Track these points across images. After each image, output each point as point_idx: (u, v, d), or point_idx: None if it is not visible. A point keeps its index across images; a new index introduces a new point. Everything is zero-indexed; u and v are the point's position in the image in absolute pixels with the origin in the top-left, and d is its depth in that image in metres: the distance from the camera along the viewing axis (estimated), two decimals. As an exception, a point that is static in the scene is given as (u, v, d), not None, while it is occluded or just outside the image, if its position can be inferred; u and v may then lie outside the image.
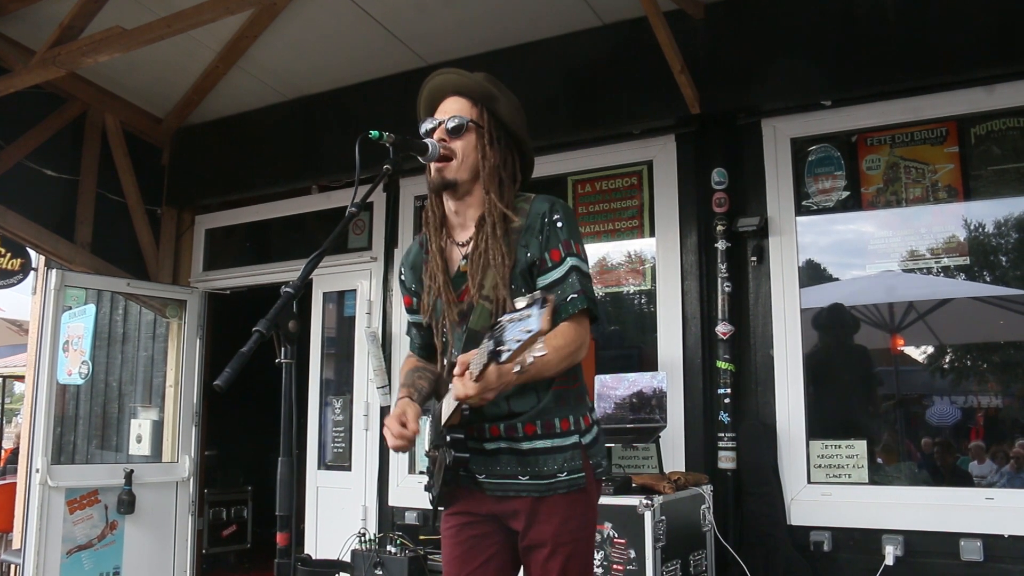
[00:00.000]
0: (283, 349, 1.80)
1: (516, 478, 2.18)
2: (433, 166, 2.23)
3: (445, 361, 2.33)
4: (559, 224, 2.19)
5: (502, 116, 2.28)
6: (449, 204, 2.31)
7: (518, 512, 2.20)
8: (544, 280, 2.17)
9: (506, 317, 1.69)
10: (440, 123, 2.26)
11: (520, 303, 1.68)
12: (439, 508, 2.35)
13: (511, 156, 2.30)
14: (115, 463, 6.21)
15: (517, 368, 1.72)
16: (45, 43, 4.82)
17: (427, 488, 2.39)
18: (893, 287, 4.35)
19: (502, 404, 2.16)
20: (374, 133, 2.07)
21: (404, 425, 2.17)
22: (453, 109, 2.27)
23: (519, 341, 1.64)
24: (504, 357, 1.68)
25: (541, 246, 2.18)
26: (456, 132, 2.23)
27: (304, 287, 1.88)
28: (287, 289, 1.83)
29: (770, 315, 4.46)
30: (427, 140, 2.22)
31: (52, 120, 5.81)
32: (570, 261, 2.17)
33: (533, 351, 1.67)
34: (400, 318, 5.59)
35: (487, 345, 1.74)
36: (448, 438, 2.12)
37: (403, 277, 2.51)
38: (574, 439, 2.19)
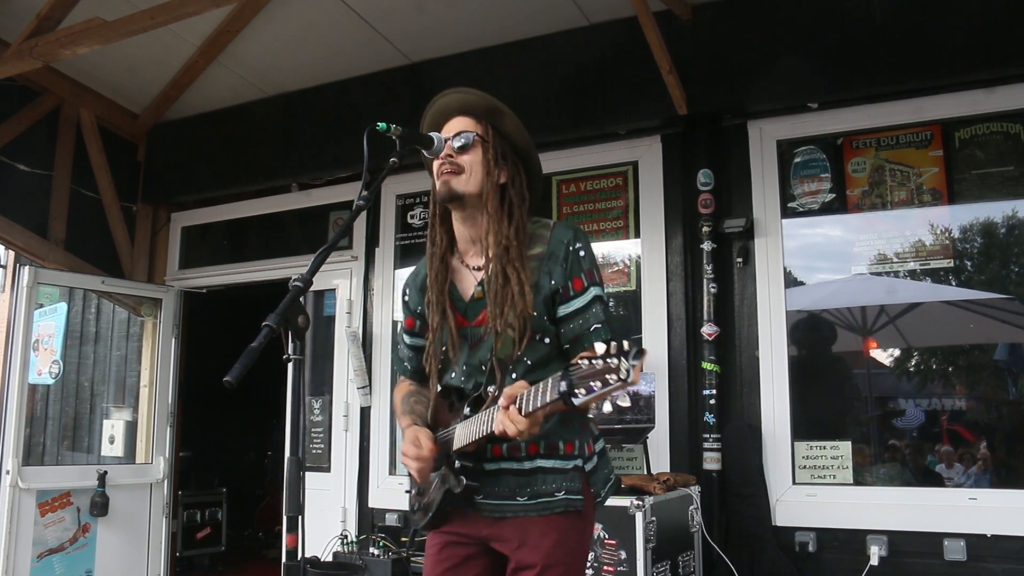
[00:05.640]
0: (293, 344, 1.75)
1: (514, 499, 2.13)
2: (441, 178, 2.20)
3: (440, 385, 2.28)
4: (581, 253, 2.17)
5: (508, 132, 2.26)
6: (461, 227, 2.26)
7: (510, 536, 2.14)
8: (566, 309, 2.14)
9: (584, 361, 1.65)
10: (446, 140, 2.22)
11: (600, 348, 1.63)
12: (424, 530, 2.29)
13: (519, 175, 2.26)
14: (87, 464, 6.08)
15: (592, 414, 1.66)
16: (21, 34, 4.70)
17: (414, 510, 2.32)
18: (878, 289, 4.37)
19: None
20: (382, 125, 2.03)
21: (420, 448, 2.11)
22: (459, 126, 2.24)
23: (596, 388, 1.61)
24: (579, 401, 1.64)
25: (565, 274, 2.15)
26: (463, 149, 2.21)
27: (312, 281, 1.83)
28: (296, 283, 1.79)
29: (755, 316, 4.47)
30: (432, 134, 2.19)
31: (25, 114, 5.66)
32: (593, 291, 2.15)
33: (615, 399, 1.64)
34: (381, 318, 5.54)
35: (555, 385, 1.70)
36: (457, 464, 2.07)
37: (407, 299, 2.45)
38: (576, 463, 2.15)
